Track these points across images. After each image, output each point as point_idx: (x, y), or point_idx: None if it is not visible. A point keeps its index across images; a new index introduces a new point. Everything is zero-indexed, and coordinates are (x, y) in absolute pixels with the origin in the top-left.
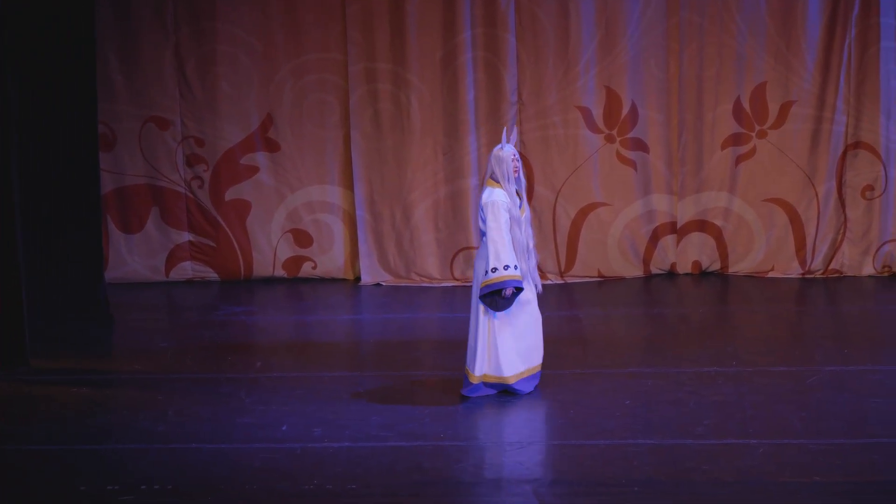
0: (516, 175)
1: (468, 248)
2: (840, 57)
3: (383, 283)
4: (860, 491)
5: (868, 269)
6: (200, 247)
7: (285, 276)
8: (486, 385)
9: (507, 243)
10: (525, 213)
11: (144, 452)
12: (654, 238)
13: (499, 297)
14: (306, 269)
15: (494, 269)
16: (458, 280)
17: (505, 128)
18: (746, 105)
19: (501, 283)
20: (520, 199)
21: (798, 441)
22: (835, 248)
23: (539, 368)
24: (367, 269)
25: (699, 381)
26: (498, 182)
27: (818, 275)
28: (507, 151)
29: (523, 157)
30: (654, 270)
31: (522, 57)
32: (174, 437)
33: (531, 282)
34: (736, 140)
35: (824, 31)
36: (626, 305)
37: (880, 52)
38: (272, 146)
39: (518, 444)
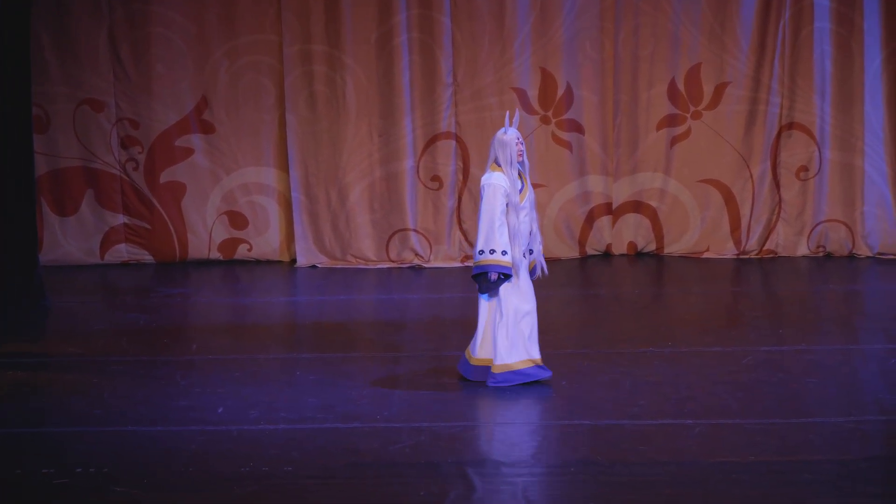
0: (520, 159)
1: (404, 229)
2: (775, 38)
3: (319, 265)
4: (795, 470)
5: (802, 250)
6: (135, 229)
7: (221, 258)
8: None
9: (498, 227)
10: (529, 198)
11: (80, 435)
12: (590, 219)
13: (484, 280)
14: (242, 252)
15: (481, 252)
16: (393, 262)
17: (507, 112)
18: (681, 86)
19: (487, 266)
20: (523, 183)
21: (733, 421)
22: (769, 229)
23: (520, 366)
24: (303, 251)
25: (635, 361)
26: (500, 166)
27: (753, 255)
28: (510, 135)
29: (458, 139)
30: (589, 251)
31: (457, 39)
32: (110, 420)
33: (529, 267)
34: (671, 121)
35: (759, 12)
36: (562, 286)
37: (814, 33)
38: (207, 128)
39: (454, 426)
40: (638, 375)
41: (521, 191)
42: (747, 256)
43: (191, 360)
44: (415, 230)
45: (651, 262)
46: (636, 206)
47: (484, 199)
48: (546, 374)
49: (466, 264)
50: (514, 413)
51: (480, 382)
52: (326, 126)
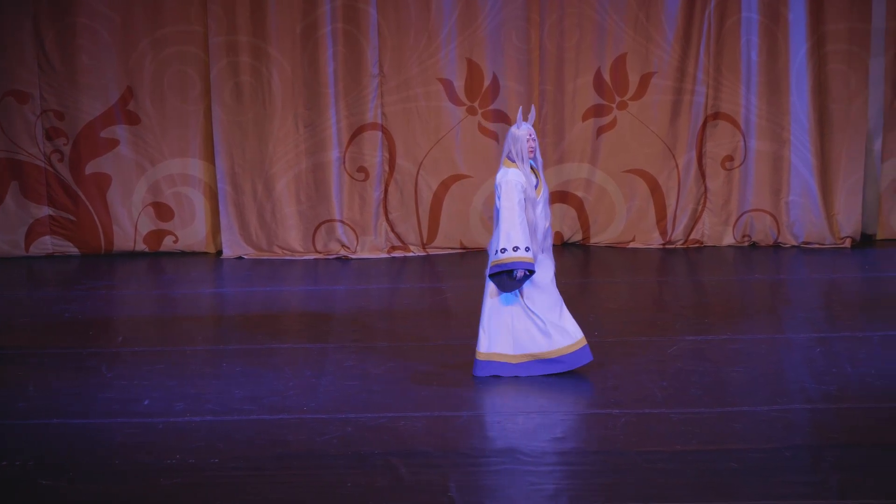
0: (532, 155)
1: (330, 220)
2: (700, 28)
3: (245, 257)
4: (721, 459)
5: (728, 239)
6: (60, 221)
7: (146, 250)
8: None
9: (519, 224)
10: (543, 193)
11: (5, 429)
12: None
13: (507, 279)
14: (167, 243)
15: (504, 250)
16: (319, 253)
17: (521, 107)
18: (607, 76)
19: (512, 263)
20: (536, 178)
21: (659, 410)
22: (695, 219)
23: (560, 352)
24: (229, 242)
25: None
26: (514, 161)
27: (679, 245)
28: (523, 130)
29: (385, 130)
30: None
31: (383, 29)
32: (35, 413)
33: (549, 263)
34: (597, 111)
35: (684, 2)
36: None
37: (740, 22)
38: (132, 119)
39: (381, 416)
40: None
41: (535, 186)
42: (673, 246)
43: (116, 353)
44: (341, 221)
45: (577, 252)
46: (562, 197)
47: (501, 197)
48: (576, 363)
49: (393, 255)
50: (441, 404)
51: (396, 373)
52: (252, 117)
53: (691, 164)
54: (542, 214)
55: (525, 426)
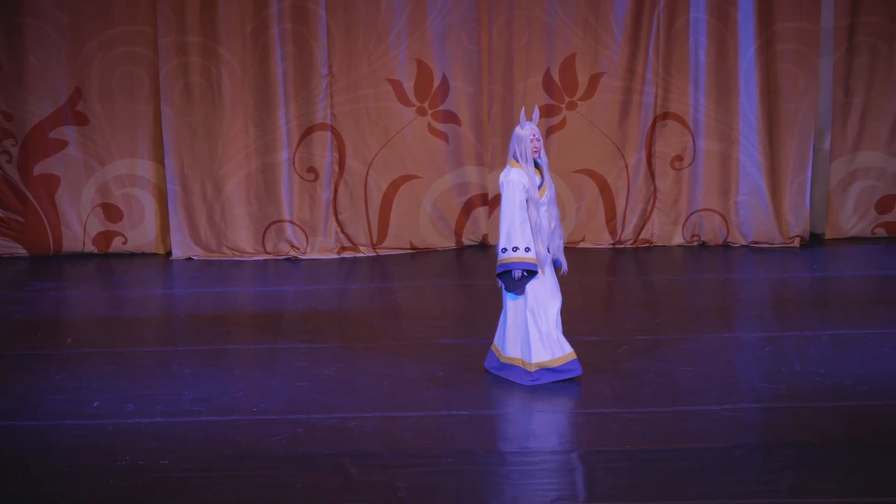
0: (536, 155)
1: (280, 220)
2: (649, 28)
3: (195, 258)
4: (672, 458)
5: (678, 239)
6: (8, 222)
7: (95, 251)
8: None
9: (520, 224)
10: (548, 193)
11: None
12: (466, 210)
13: (509, 279)
14: (117, 244)
15: (504, 250)
16: (269, 254)
17: (524, 108)
18: (556, 77)
19: (511, 264)
20: (541, 178)
21: (610, 410)
22: (645, 219)
23: (557, 363)
24: (179, 243)
25: None
26: (519, 162)
27: (629, 245)
28: (527, 130)
29: (334, 131)
30: (465, 242)
31: (333, 29)
32: None
33: (552, 265)
34: (546, 112)
35: (633, 3)
36: (439, 277)
37: (689, 22)
38: (81, 120)
39: (330, 417)
40: None
41: (539, 186)
42: (623, 246)
43: (66, 354)
44: (291, 222)
45: None
46: None
47: (504, 197)
48: (578, 371)
49: (342, 256)
50: (391, 404)
51: (349, 373)
52: (202, 118)
53: (640, 164)
54: (546, 215)
55: (476, 427)
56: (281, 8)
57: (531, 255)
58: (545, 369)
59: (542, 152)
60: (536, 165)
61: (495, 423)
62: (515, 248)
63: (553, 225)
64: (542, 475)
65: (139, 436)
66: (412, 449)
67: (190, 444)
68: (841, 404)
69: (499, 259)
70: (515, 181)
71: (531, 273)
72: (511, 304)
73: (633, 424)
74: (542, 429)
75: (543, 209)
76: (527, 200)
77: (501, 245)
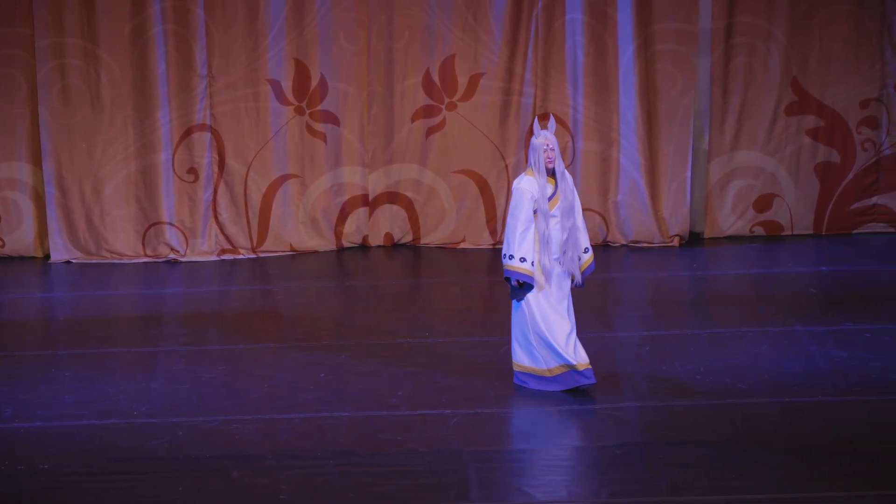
0: (551, 164)
1: (159, 223)
2: (527, 30)
3: (74, 261)
4: (554, 457)
5: None
6: None
7: None
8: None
9: (521, 233)
10: (561, 204)
11: None
12: (346, 211)
13: (510, 286)
14: None
15: (504, 256)
16: (149, 256)
17: (536, 117)
18: (436, 77)
19: (507, 272)
20: (555, 188)
21: (492, 410)
22: None
23: (557, 371)
24: (57, 246)
25: (393, 352)
26: (532, 170)
27: None
28: (541, 139)
29: (214, 132)
30: (346, 243)
31: (211, 30)
32: None
33: (558, 277)
34: (426, 112)
35: (511, 4)
36: (319, 278)
37: (567, 24)
38: None
39: (211, 420)
40: (396, 366)
41: (552, 197)
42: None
43: None
44: (170, 224)
45: (408, 253)
46: (392, 198)
47: (511, 204)
48: (557, 386)
49: (223, 258)
50: (272, 407)
51: (233, 374)
52: (80, 120)
53: (520, 164)
54: (557, 227)
55: (357, 428)
56: (159, 9)
57: (526, 266)
58: (524, 373)
59: (559, 161)
60: (553, 174)
61: (377, 423)
62: (511, 257)
63: (565, 236)
64: (421, 476)
65: (18, 440)
66: (294, 451)
67: (70, 449)
68: (720, 402)
69: (503, 264)
70: (524, 189)
71: (523, 284)
72: (515, 315)
73: (514, 424)
74: (424, 429)
75: (554, 221)
76: (536, 211)
77: (503, 251)
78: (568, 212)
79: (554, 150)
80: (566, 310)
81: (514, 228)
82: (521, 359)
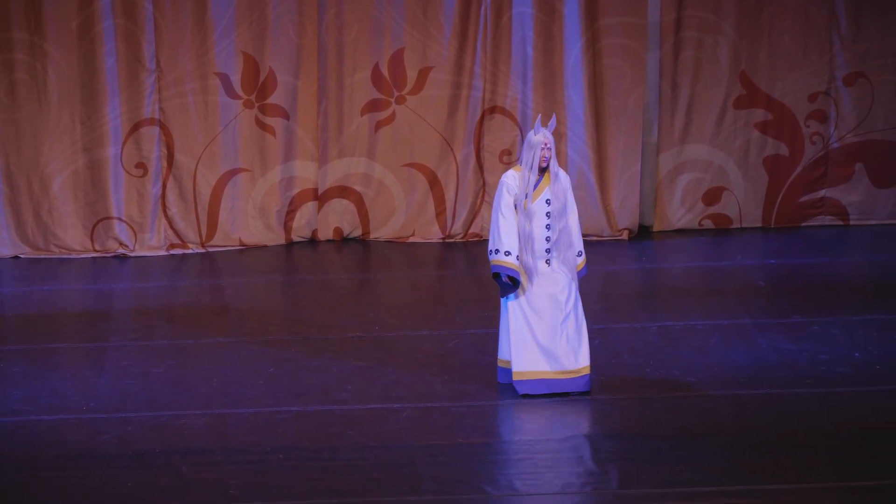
0: (545, 163)
1: (108, 218)
2: (476, 23)
3: (22, 256)
4: (501, 451)
5: None
6: None
7: None
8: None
9: (502, 227)
10: (540, 202)
11: None
12: (295, 205)
13: (498, 283)
14: None
15: (489, 252)
16: (98, 251)
17: (540, 114)
18: (385, 71)
19: (494, 266)
20: (545, 186)
21: (440, 404)
22: (474, 212)
23: (551, 376)
24: (5, 241)
25: (342, 347)
26: (520, 165)
27: (458, 239)
28: (539, 137)
29: (162, 125)
30: (295, 238)
31: (160, 23)
32: None
33: (544, 276)
34: (375, 106)
35: None
36: (268, 273)
37: (516, 18)
38: None
39: (161, 415)
40: (346, 361)
41: (531, 194)
42: (453, 240)
43: None
44: (119, 219)
45: (357, 247)
46: (342, 192)
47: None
48: (528, 391)
49: (172, 252)
50: (221, 401)
51: (181, 370)
52: (28, 115)
53: (469, 157)
54: (538, 225)
55: (306, 422)
56: (107, 3)
57: (510, 260)
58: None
59: (554, 161)
60: (546, 173)
61: (324, 418)
62: (497, 251)
63: (555, 237)
64: (370, 470)
65: None
66: (243, 445)
67: (18, 445)
68: (669, 395)
69: (489, 259)
70: (501, 181)
71: (511, 279)
72: (502, 311)
73: (463, 418)
74: (372, 422)
75: (536, 219)
76: (515, 206)
77: (488, 246)
78: (559, 213)
79: (551, 149)
80: (557, 309)
81: (497, 221)
82: (504, 354)
